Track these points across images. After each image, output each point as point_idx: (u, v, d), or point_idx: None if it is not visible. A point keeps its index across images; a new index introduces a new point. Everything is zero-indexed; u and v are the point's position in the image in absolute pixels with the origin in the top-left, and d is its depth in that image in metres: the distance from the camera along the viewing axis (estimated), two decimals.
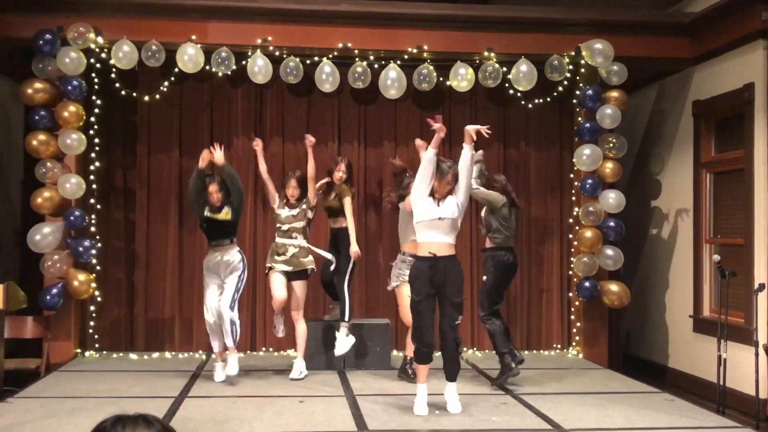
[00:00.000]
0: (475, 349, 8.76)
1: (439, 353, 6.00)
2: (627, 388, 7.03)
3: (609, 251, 8.26)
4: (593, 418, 5.86)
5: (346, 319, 7.28)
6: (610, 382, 7.35)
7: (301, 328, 7.24)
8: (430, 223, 5.81)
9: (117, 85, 8.21)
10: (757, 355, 6.33)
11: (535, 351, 8.90)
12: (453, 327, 5.85)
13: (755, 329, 6.58)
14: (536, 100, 8.67)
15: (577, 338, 8.69)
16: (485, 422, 5.68)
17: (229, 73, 8.12)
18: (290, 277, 7.16)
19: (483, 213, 7.38)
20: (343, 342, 7.29)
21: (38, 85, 7.62)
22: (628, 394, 6.74)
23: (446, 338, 5.86)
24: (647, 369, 8.79)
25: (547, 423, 5.69)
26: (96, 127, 8.21)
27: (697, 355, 8.06)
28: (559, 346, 8.94)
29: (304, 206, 7.21)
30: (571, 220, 8.78)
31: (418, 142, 7.32)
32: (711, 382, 7.06)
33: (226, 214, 6.96)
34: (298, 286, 7.18)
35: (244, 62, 8.00)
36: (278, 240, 7.19)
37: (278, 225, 7.21)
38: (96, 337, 8.32)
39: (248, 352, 8.42)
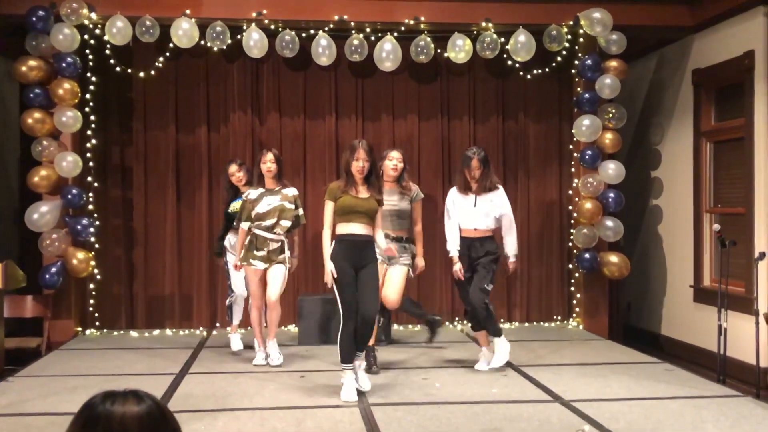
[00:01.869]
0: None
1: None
2: (627, 359, 7.03)
3: (609, 222, 8.23)
4: (594, 389, 5.87)
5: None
6: (610, 353, 7.36)
7: (278, 311, 6.58)
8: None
9: (112, 61, 8.14)
10: (757, 324, 6.32)
11: (535, 323, 8.91)
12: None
13: (755, 298, 6.56)
14: (535, 71, 8.60)
15: (578, 310, 8.69)
16: (486, 394, 5.69)
17: (225, 47, 8.05)
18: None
19: None
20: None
21: (32, 62, 7.56)
22: (629, 365, 6.75)
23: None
24: (648, 339, 8.81)
25: (548, 394, 5.70)
26: (91, 104, 8.17)
27: (698, 324, 8.06)
28: (559, 317, 8.94)
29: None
30: (570, 192, 8.75)
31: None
32: (711, 352, 7.07)
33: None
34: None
35: (239, 36, 7.93)
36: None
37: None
38: (96, 315, 8.33)
39: (248, 328, 8.41)
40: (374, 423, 4.94)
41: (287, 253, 6.54)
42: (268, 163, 6.51)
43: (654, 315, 9.07)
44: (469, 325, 6.79)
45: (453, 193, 6.58)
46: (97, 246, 8.22)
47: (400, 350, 7.34)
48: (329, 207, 5.63)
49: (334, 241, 5.59)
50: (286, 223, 6.52)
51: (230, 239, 7.09)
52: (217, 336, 8.07)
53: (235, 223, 6.74)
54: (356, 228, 5.55)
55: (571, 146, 8.75)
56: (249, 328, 7.30)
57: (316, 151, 8.76)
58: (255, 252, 6.48)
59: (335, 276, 5.49)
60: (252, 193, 6.55)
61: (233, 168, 7.05)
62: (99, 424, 1.57)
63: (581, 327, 8.57)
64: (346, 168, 5.59)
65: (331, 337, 7.45)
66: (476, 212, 6.42)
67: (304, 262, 8.11)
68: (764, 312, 6.63)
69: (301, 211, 6.66)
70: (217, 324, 8.47)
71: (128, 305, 8.57)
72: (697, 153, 8.22)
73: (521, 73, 8.61)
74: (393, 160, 6.47)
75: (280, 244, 6.53)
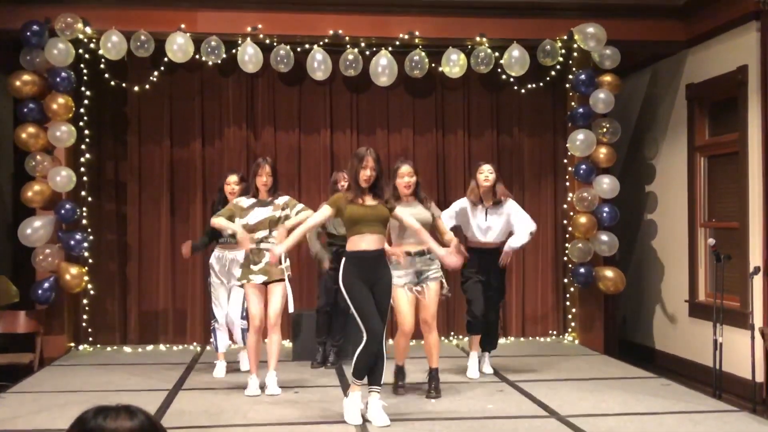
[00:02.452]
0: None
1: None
2: (623, 374, 7.02)
3: (604, 237, 8.23)
4: (589, 403, 5.85)
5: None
6: (606, 367, 7.34)
7: (278, 338, 6.26)
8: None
9: (106, 75, 8.14)
10: (752, 338, 6.31)
11: (530, 338, 8.89)
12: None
13: (751, 313, 6.55)
14: (529, 86, 8.62)
15: (573, 324, 8.67)
16: (481, 409, 5.66)
17: (219, 62, 8.05)
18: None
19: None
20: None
21: (26, 77, 7.54)
22: (625, 380, 6.73)
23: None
24: (643, 354, 8.79)
25: (543, 409, 5.68)
26: (86, 118, 8.15)
27: (693, 339, 8.04)
28: (554, 332, 8.92)
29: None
30: (565, 206, 8.75)
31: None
32: (707, 367, 7.05)
33: None
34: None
35: (234, 51, 7.93)
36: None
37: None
38: (89, 330, 8.29)
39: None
40: None
41: (286, 263, 6.19)
42: (264, 176, 6.19)
43: (649, 329, 9.05)
44: (467, 329, 6.90)
45: (464, 201, 6.67)
46: (90, 261, 8.19)
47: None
48: (324, 209, 5.40)
49: (344, 258, 5.36)
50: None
51: (215, 256, 6.94)
52: (211, 352, 8.00)
53: (213, 219, 6.32)
54: (367, 241, 5.25)
55: (565, 160, 8.76)
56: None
57: (310, 165, 8.75)
58: (252, 267, 6.11)
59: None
60: (244, 201, 6.25)
61: (234, 178, 6.85)
62: None
63: (576, 342, 8.55)
64: (354, 177, 5.35)
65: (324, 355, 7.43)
66: (486, 226, 6.61)
67: (298, 277, 8.08)
68: (759, 326, 6.62)
69: (298, 207, 6.21)
70: (211, 340, 8.41)
71: (122, 321, 8.53)
72: (691, 167, 8.23)
73: (515, 88, 8.63)
74: (404, 178, 5.99)
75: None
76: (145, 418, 1.60)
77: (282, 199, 6.31)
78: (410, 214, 5.68)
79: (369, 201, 5.33)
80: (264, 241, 6.13)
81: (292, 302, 6.16)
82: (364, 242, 5.27)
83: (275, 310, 6.12)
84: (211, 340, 7.14)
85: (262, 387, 6.16)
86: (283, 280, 6.15)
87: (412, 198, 6.05)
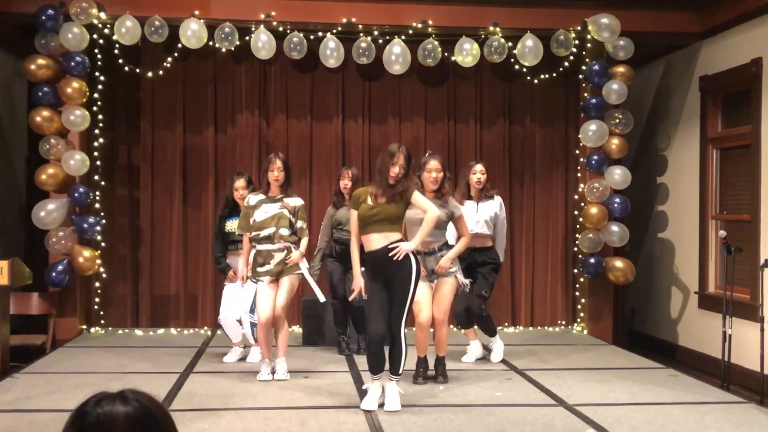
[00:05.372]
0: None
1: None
2: (631, 364, 7.03)
3: (614, 227, 8.23)
4: (597, 393, 5.87)
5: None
6: (614, 358, 7.36)
7: (286, 327, 6.29)
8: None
9: (120, 60, 8.18)
10: (762, 331, 6.31)
11: (539, 327, 8.90)
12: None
13: (761, 305, 6.54)
14: (542, 76, 8.61)
15: (582, 314, 8.69)
16: (489, 397, 5.70)
17: (233, 48, 8.07)
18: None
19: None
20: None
21: (41, 61, 7.58)
22: (633, 370, 6.74)
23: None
24: (652, 345, 8.79)
25: (552, 398, 5.70)
26: (99, 103, 8.20)
27: (702, 331, 8.05)
28: (563, 322, 8.94)
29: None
30: (576, 197, 8.75)
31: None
32: (716, 358, 7.06)
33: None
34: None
35: (247, 38, 7.95)
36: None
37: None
38: (101, 313, 8.35)
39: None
40: (378, 425, 4.95)
41: (296, 252, 6.15)
42: (276, 171, 6.14)
43: (658, 321, 9.06)
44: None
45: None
46: (103, 244, 8.25)
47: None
48: (353, 216, 5.44)
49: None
50: (286, 231, 6.12)
51: (230, 261, 6.93)
52: (222, 336, 8.07)
53: (237, 232, 6.45)
54: (374, 240, 5.27)
55: (577, 151, 8.75)
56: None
57: (322, 153, 8.77)
58: (259, 269, 6.13)
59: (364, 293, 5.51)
60: (252, 199, 6.24)
61: (241, 182, 6.81)
62: (89, 426, 1.59)
63: (585, 332, 8.56)
64: (383, 171, 5.31)
65: (335, 338, 7.45)
66: (477, 217, 6.67)
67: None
68: None
69: (300, 224, 6.19)
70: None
71: (133, 304, 8.59)
72: (703, 159, 8.21)
73: (528, 78, 8.62)
74: (432, 173, 5.96)
75: (285, 252, 6.14)
76: (139, 405, 1.62)
77: (294, 202, 6.25)
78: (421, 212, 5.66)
79: (382, 199, 5.32)
80: (271, 241, 6.11)
81: (319, 292, 6.35)
82: (372, 242, 5.32)
83: (281, 301, 6.13)
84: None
85: (273, 372, 6.22)
86: (293, 272, 6.19)
87: (432, 194, 5.95)
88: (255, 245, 6.16)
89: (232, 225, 6.79)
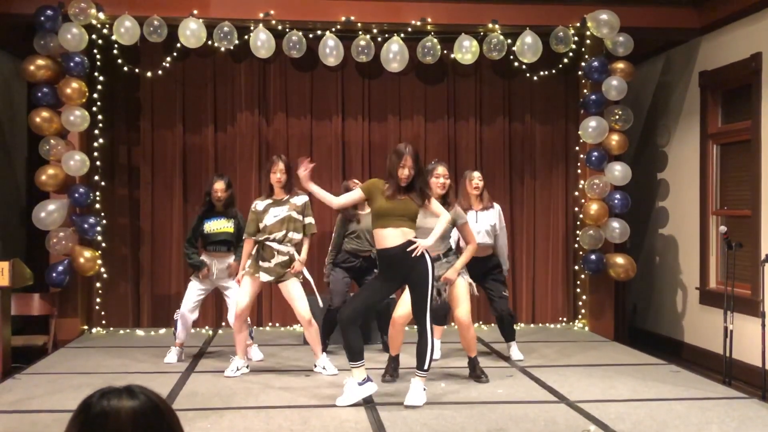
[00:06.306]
0: (480, 323, 8.76)
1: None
2: (633, 360, 7.03)
3: (615, 224, 8.23)
4: (599, 389, 5.87)
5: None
6: (616, 354, 7.35)
7: (316, 328, 6.31)
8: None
9: (119, 61, 8.18)
10: (763, 326, 6.30)
11: (541, 324, 8.91)
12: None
13: (761, 300, 6.55)
14: (541, 72, 8.61)
15: (583, 311, 8.69)
16: (491, 394, 5.70)
17: (232, 47, 8.07)
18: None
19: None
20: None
21: (40, 61, 7.58)
22: (635, 366, 6.74)
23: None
24: (653, 341, 8.79)
25: (553, 395, 5.70)
26: (99, 103, 8.20)
27: (704, 327, 8.05)
28: (565, 319, 8.94)
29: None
30: (576, 193, 8.75)
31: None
32: (717, 354, 7.06)
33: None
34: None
35: (246, 37, 7.95)
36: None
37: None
38: (102, 313, 8.36)
39: (255, 327, 8.43)
40: (380, 422, 4.95)
41: (297, 263, 6.18)
42: (278, 173, 6.16)
43: (660, 317, 9.06)
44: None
45: None
46: (103, 245, 8.25)
47: (403, 350, 7.32)
48: (356, 191, 5.52)
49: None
50: (296, 235, 6.18)
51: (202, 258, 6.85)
52: (223, 335, 8.09)
53: (244, 237, 6.34)
54: (391, 236, 5.25)
55: (577, 148, 8.75)
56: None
57: (322, 151, 8.77)
58: (260, 263, 6.15)
59: None
60: (258, 204, 6.26)
61: (221, 185, 6.71)
62: (95, 421, 1.59)
63: (587, 328, 8.56)
64: (392, 173, 5.33)
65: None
66: (478, 228, 6.62)
67: (309, 266, 8.11)
68: None
69: (308, 220, 6.26)
70: (223, 323, 8.48)
71: (134, 304, 8.60)
72: (703, 155, 8.21)
73: (528, 75, 8.62)
74: (440, 178, 6.06)
75: (288, 257, 6.16)
76: (147, 399, 1.63)
77: (300, 200, 6.26)
78: (427, 219, 5.68)
79: (400, 195, 5.34)
80: (280, 242, 6.14)
81: (320, 298, 6.54)
82: (389, 237, 5.28)
83: (303, 306, 6.16)
84: (174, 329, 7.01)
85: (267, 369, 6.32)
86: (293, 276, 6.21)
87: (440, 201, 5.89)
88: (263, 242, 6.16)
89: (210, 226, 6.77)
